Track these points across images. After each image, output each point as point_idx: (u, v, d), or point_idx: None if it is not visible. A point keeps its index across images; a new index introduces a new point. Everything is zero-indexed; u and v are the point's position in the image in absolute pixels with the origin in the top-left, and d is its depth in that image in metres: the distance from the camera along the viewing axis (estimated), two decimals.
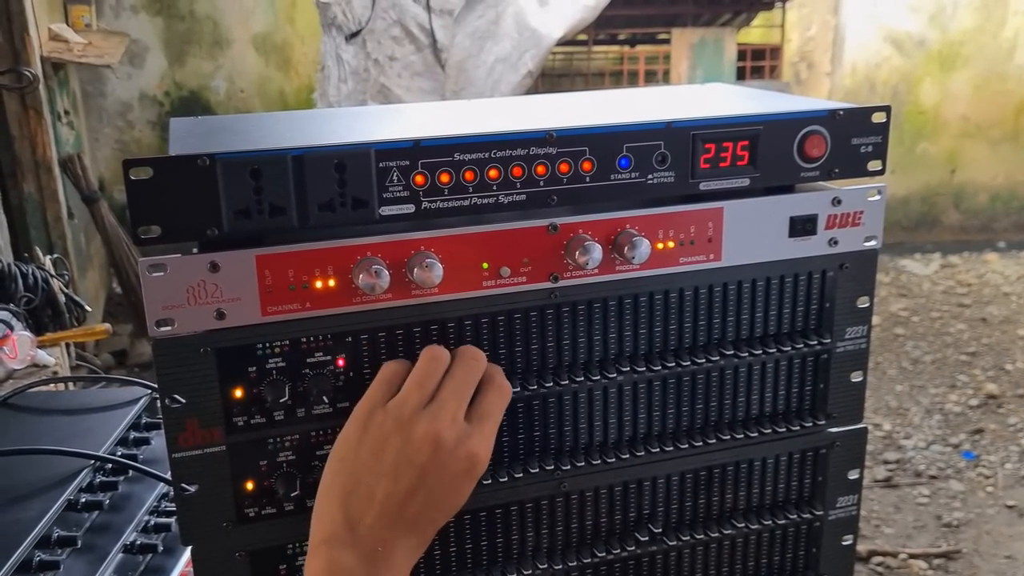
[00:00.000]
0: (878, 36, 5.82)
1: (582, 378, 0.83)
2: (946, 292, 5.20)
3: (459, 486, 0.72)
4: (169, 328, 0.72)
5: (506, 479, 0.82)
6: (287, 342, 0.75)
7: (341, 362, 0.77)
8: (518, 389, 0.81)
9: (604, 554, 0.87)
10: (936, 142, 6.02)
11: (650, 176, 0.80)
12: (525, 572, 0.85)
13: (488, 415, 0.74)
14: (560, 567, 0.87)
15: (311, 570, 0.70)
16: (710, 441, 0.88)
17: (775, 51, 5.14)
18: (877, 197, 0.87)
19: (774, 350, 0.88)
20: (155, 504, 1.14)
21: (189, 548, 0.78)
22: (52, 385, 1.55)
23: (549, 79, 5.20)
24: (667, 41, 5.02)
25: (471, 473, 0.72)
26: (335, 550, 0.69)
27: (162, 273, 0.71)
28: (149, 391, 1.32)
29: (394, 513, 0.70)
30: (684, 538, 0.90)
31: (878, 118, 0.85)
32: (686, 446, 0.87)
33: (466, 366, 0.75)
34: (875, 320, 4.73)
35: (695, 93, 1.04)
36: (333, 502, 0.71)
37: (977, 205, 6.12)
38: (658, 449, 0.86)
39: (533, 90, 4.69)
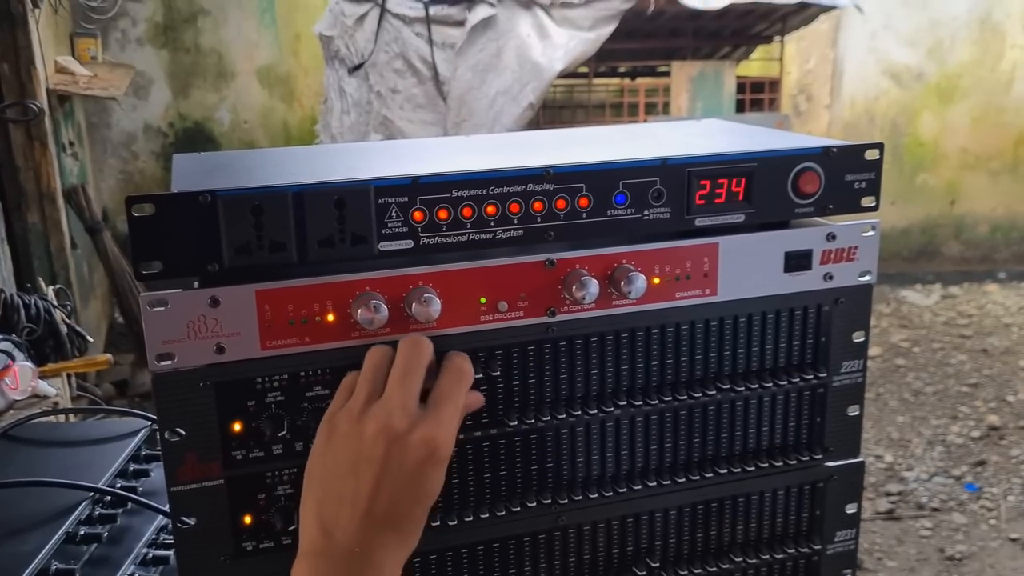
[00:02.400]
0: (877, 69, 5.87)
1: (579, 412, 0.83)
2: (947, 323, 5.19)
3: (423, 474, 0.71)
4: (169, 362, 0.72)
5: (504, 513, 0.83)
6: (286, 376, 0.76)
7: None
8: (515, 423, 0.81)
9: None
10: (936, 173, 6.05)
11: (646, 212, 0.81)
12: None
13: (444, 399, 0.73)
14: None
15: None
16: (707, 475, 0.88)
17: (774, 84, 5.18)
18: (871, 232, 0.88)
19: (770, 384, 0.88)
20: (154, 537, 1.13)
21: None
22: (53, 416, 1.55)
23: (550, 111, 5.24)
24: (667, 74, 5.06)
25: (432, 459, 0.71)
26: (314, 560, 0.70)
27: (163, 308, 0.71)
28: (149, 423, 1.32)
29: (363, 512, 0.70)
30: (682, 572, 0.90)
31: (871, 155, 0.86)
32: (683, 480, 0.87)
33: (408, 353, 0.74)
34: (876, 351, 4.72)
35: (691, 129, 1.05)
36: (309, 514, 0.71)
37: (977, 236, 6.14)
38: (656, 483, 0.87)
39: (534, 122, 4.73)
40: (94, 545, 1.08)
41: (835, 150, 0.84)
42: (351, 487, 0.70)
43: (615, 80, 5.61)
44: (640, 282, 0.80)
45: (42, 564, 1.00)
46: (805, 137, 0.91)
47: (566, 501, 0.84)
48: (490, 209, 0.77)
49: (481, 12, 4.49)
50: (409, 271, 0.76)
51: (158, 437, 0.76)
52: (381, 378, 0.73)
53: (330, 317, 0.75)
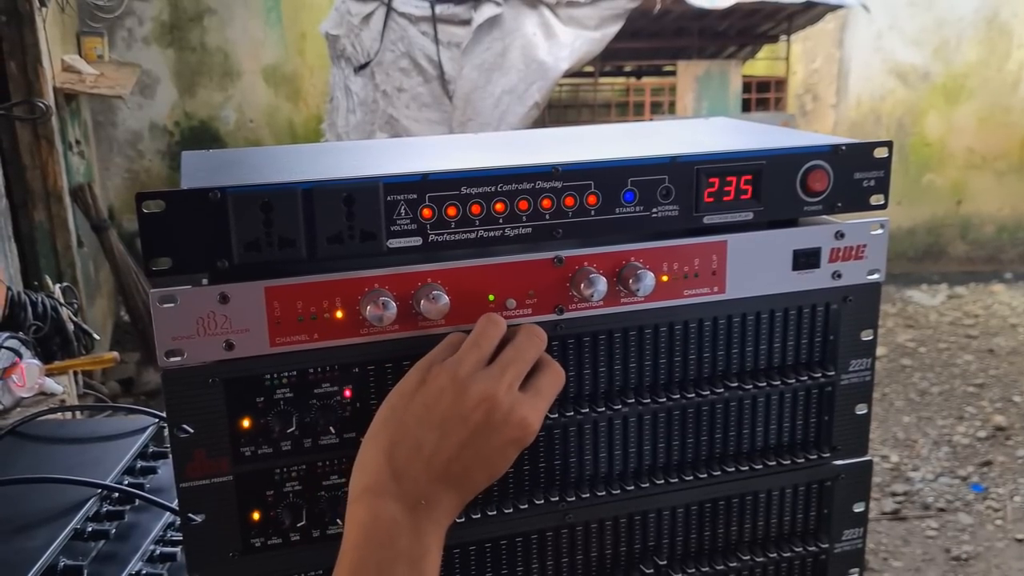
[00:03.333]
0: (883, 69, 5.86)
1: (587, 410, 0.83)
2: (953, 323, 5.18)
3: (505, 451, 0.72)
4: (178, 359, 0.73)
5: (511, 510, 0.83)
6: (295, 373, 0.76)
7: (348, 393, 0.78)
8: None
9: None
10: (942, 173, 6.04)
11: (655, 210, 0.81)
12: None
13: (543, 391, 0.74)
14: None
15: (353, 518, 0.69)
16: (715, 473, 0.88)
17: (780, 83, 5.17)
18: (880, 231, 0.88)
19: (778, 382, 0.88)
20: (161, 533, 1.14)
21: None
22: (60, 413, 1.56)
23: (556, 110, 5.23)
24: (673, 73, 5.05)
25: (520, 441, 0.72)
26: (379, 499, 0.69)
27: (172, 304, 0.71)
28: (156, 420, 1.32)
29: (439, 468, 0.70)
30: (689, 570, 0.90)
31: (880, 153, 0.86)
32: (691, 478, 0.87)
33: (528, 340, 0.75)
34: (882, 351, 4.72)
35: (699, 127, 1.05)
36: (379, 451, 0.71)
37: (983, 236, 6.12)
38: (663, 481, 0.87)
39: (540, 121, 4.73)
40: (102, 542, 1.09)
41: (844, 148, 0.84)
42: (435, 441, 0.70)
43: (620, 79, 5.60)
44: (648, 280, 0.80)
45: (50, 560, 1.01)
46: (814, 135, 0.91)
47: (573, 499, 0.84)
48: (499, 206, 0.77)
49: (487, 11, 4.48)
50: (418, 268, 0.76)
51: (167, 433, 0.76)
52: (491, 346, 0.74)
53: (339, 314, 0.75)
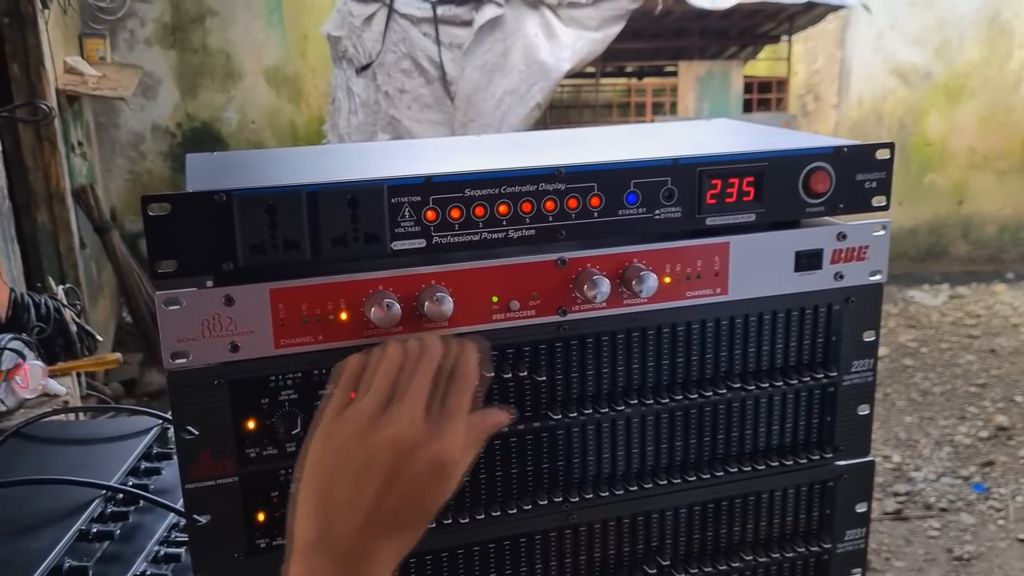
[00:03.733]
0: (884, 69, 5.86)
1: (590, 411, 0.83)
2: (955, 323, 5.18)
3: (429, 488, 0.70)
4: (184, 360, 0.73)
5: (515, 511, 0.83)
6: (299, 374, 0.77)
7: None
8: (527, 422, 0.82)
9: None
10: (943, 173, 6.04)
11: (657, 211, 0.81)
12: None
13: (453, 412, 0.71)
14: None
15: None
16: (718, 473, 0.88)
17: (781, 84, 5.17)
18: (882, 232, 0.88)
19: (781, 383, 0.88)
20: (166, 534, 1.14)
21: None
22: (63, 415, 1.56)
23: (557, 111, 5.24)
24: (674, 74, 5.06)
25: (440, 474, 0.70)
26: (311, 558, 0.68)
27: (178, 307, 0.72)
28: (160, 421, 1.33)
29: (364, 518, 0.69)
30: (692, 570, 0.90)
31: (882, 154, 0.86)
32: (694, 478, 0.88)
33: (419, 360, 0.72)
34: (884, 351, 4.71)
35: (701, 129, 1.05)
36: (306, 512, 0.70)
37: (985, 236, 6.12)
38: (666, 481, 0.87)
39: (541, 122, 4.73)
40: (106, 543, 1.09)
41: (846, 150, 0.85)
42: (354, 494, 0.69)
43: (622, 80, 5.60)
44: (651, 281, 0.80)
45: (55, 561, 1.01)
46: (816, 137, 0.92)
47: (577, 499, 0.85)
48: (502, 208, 0.77)
49: (488, 12, 4.49)
50: (422, 270, 0.77)
51: (172, 434, 0.76)
52: (388, 385, 0.71)
53: (343, 316, 0.76)
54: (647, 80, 5.35)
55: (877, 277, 0.89)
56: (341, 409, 0.71)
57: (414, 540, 0.72)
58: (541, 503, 0.84)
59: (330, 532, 0.69)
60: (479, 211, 0.77)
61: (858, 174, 0.86)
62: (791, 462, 0.91)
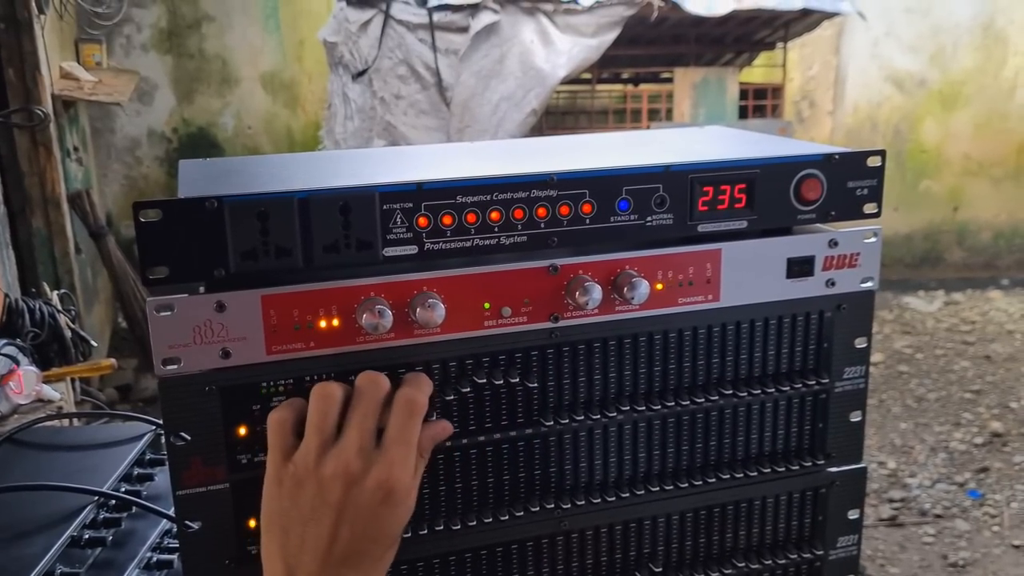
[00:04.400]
0: (879, 76, 5.88)
1: (582, 417, 0.83)
2: (950, 329, 5.19)
3: (380, 515, 0.71)
4: (175, 367, 0.73)
5: (507, 518, 0.83)
6: (291, 381, 0.76)
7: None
8: (518, 428, 0.82)
9: None
10: (939, 180, 6.06)
11: (649, 218, 0.82)
12: None
13: (395, 439, 0.72)
14: None
15: None
16: (710, 480, 0.88)
17: (777, 90, 5.19)
18: (873, 239, 0.88)
19: (773, 390, 0.88)
20: (158, 540, 1.14)
21: None
22: (57, 420, 1.56)
23: (553, 117, 5.25)
24: (670, 80, 5.07)
25: (389, 500, 0.71)
26: None
27: (169, 313, 0.72)
28: (153, 427, 1.32)
29: (324, 554, 0.70)
30: None
31: (873, 162, 0.86)
32: (686, 485, 0.88)
33: (362, 396, 0.73)
34: (879, 357, 4.72)
35: (694, 136, 1.06)
36: (273, 558, 0.72)
37: (980, 242, 6.14)
38: (658, 488, 0.87)
39: (537, 128, 4.74)
40: (98, 549, 1.09)
41: (837, 157, 0.85)
42: (311, 531, 0.70)
43: (618, 86, 5.62)
44: (643, 288, 0.80)
45: (47, 568, 1.01)
46: (807, 144, 0.92)
47: (569, 506, 0.85)
48: (494, 215, 0.77)
49: (484, 18, 4.50)
50: (413, 276, 0.77)
51: (164, 441, 0.76)
52: (332, 422, 0.72)
53: (335, 322, 0.76)
54: (643, 86, 5.37)
55: (869, 284, 0.89)
56: (286, 455, 0.72)
57: (382, 566, 0.73)
58: (533, 510, 0.84)
59: (295, 572, 0.70)
60: (471, 218, 0.77)
61: (849, 181, 0.86)
62: (783, 469, 0.91)
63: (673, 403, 0.86)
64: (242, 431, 0.76)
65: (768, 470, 0.90)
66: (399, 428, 0.72)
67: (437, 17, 4.56)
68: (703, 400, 0.86)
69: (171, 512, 1.11)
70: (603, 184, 0.80)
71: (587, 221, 0.80)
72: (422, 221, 0.76)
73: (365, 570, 0.72)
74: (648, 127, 4.95)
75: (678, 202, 0.82)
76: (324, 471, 0.70)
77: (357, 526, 0.71)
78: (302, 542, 0.71)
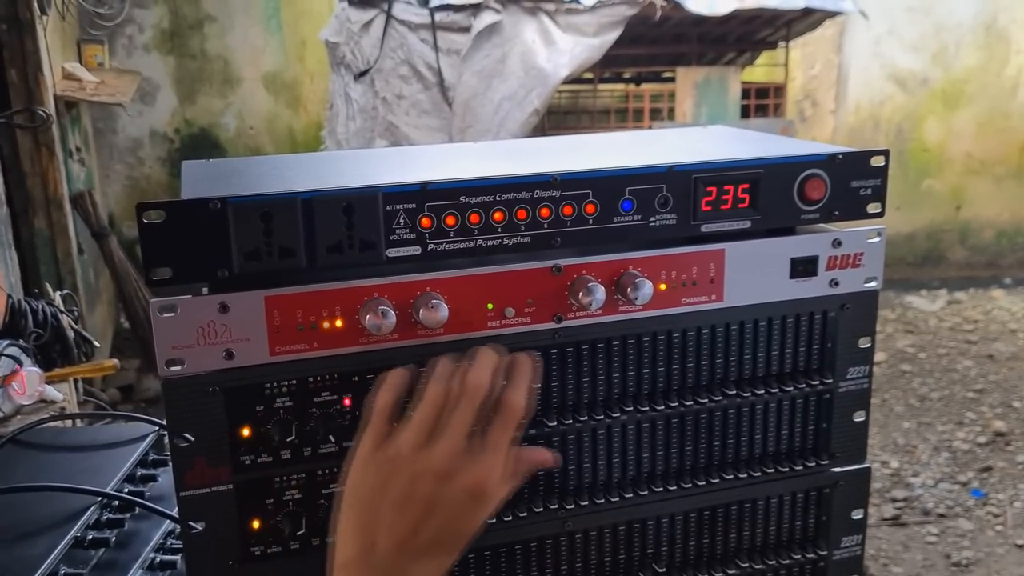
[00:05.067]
0: (881, 74, 5.87)
1: (586, 418, 0.83)
2: (953, 329, 5.18)
3: (467, 515, 0.73)
4: (179, 368, 0.73)
5: (511, 518, 0.83)
6: (294, 382, 0.77)
7: (347, 402, 0.78)
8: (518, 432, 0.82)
9: None
10: (941, 179, 6.05)
11: (652, 218, 0.82)
12: None
13: (494, 445, 0.73)
14: None
15: None
16: (713, 480, 0.88)
17: (779, 89, 5.18)
18: (877, 239, 0.88)
19: (776, 390, 0.88)
20: (161, 541, 1.14)
21: None
22: (60, 421, 1.56)
23: (555, 117, 5.24)
24: (672, 79, 5.07)
25: (479, 503, 0.73)
26: (351, 573, 0.70)
27: (173, 314, 0.72)
28: (156, 428, 1.32)
29: (404, 542, 0.71)
30: None
31: (877, 161, 0.86)
32: (690, 485, 0.88)
33: (469, 397, 0.73)
34: (882, 356, 4.71)
35: (696, 135, 1.05)
36: (348, 532, 0.72)
37: (983, 242, 6.13)
38: (662, 488, 0.87)
39: (539, 128, 4.74)
40: (102, 550, 1.09)
41: (841, 157, 0.85)
42: (396, 518, 0.71)
43: (620, 86, 5.61)
44: (647, 288, 0.80)
45: (51, 568, 1.01)
46: (811, 144, 0.92)
47: (573, 506, 0.85)
48: (497, 216, 0.77)
49: (486, 18, 4.50)
50: (417, 277, 0.77)
51: (167, 442, 0.76)
52: (434, 417, 0.72)
53: (338, 323, 0.76)
54: (645, 86, 5.36)
55: (872, 284, 0.89)
56: (380, 439, 0.72)
57: (449, 563, 0.74)
58: (537, 510, 0.84)
59: (372, 551, 0.71)
60: (474, 218, 0.77)
61: (853, 181, 0.86)
62: (787, 469, 0.91)
63: (677, 403, 0.86)
64: (246, 432, 0.76)
65: (772, 470, 0.90)
66: (500, 434, 0.73)
67: (439, 17, 4.55)
68: (707, 400, 0.86)
69: (174, 513, 1.11)
70: (606, 184, 0.80)
71: (590, 221, 0.80)
72: (425, 222, 0.76)
73: (438, 562, 0.73)
74: (650, 127, 4.95)
75: (681, 202, 0.82)
76: (418, 467, 0.71)
77: (441, 522, 0.72)
78: (384, 525, 0.71)
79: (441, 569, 0.74)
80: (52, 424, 1.47)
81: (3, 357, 1.71)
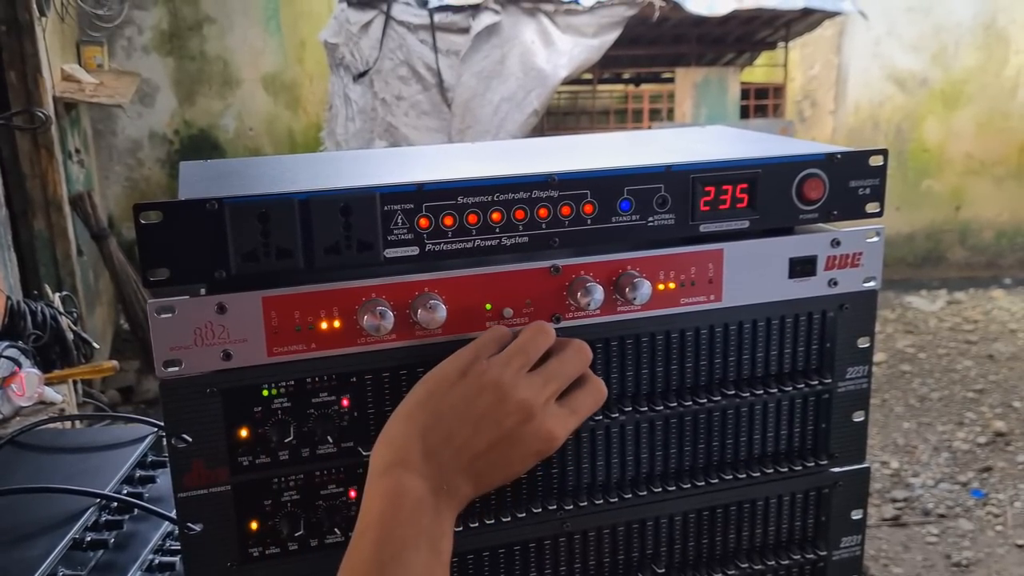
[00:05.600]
0: (881, 75, 5.88)
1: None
2: (952, 329, 5.19)
3: (527, 458, 0.74)
4: (176, 369, 0.73)
5: (509, 519, 0.83)
6: (292, 382, 0.76)
7: (345, 402, 0.78)
8: None
9: None
10: (941, 179, 6.05)
11: (651, 218, 0.81)
12: None
13: (579, 410, 0.76)
14: None
15: (378, 490, 0.70)
16: (712, 481, 0.88)
17: (778, 90, 5.18)
18: (876, 239, 0.88)
19: (775, 390, 0.88)
20: (160, 543, 1.14)
21: None
22: (59, 423, 1.56)
23: (554, 118, 5.25)
24: (671, 80, 5.07)
25: (542, 452, 0.74)
26: (408, 474, 0.70)
27: (170, 315, 0.72)
28: (155, 429, 1.32)
29: (466, 460, 0.72)
30: None
31: (875, 161, 0.86)
32: (688, 486, 0.88)
33: (574, 355, 0.76)
34: (881, 357, 4.72)
35: (695, 135, 1.05)
36: (412, 430, 0.72)
37: (982, 242, 6.13)
38: (661, 489, 0.87)
39: (538, 129, 4.74)
40: (100, 551, 1.09)
41: (839, 156, 0.85)
42: (466, 434, 0.72)
43: (619, 86, 5.62)
44: (645, 288, 0.80)
45: (49, 570, 1.01)
46: (809, 143, 0.92)
47: (571, 507, 0.84)
48: (495, 216, 0.77)
49: (485, 19, 4.50)
50: (415, 278, 0.77)
51: (165, 443, 0.76)
52: (536, 355, 0.75)
53: (336, 323, 0.75)
54: (644, 87, 5.37)
55: (871, 283, 0.89)
56: (485, 355, 0.74)
57: (481, 493, 0.75)
58: (535, 511, 0.84)
59: (433, 458, 0.71)
60: (472, 219, 0.77)
61: (851, 181, 0.86)
62: (786, 469, 0.90)
63: (675, 404, 0.85)
64: (244, 433, 0.76)
65: (771, 470, 0.90)
66: (583, 403, 0.76)
67: (438, 18, 4.56)
68: (705, 400, 0.86)
69: (173, 514, 1.11)
70: (604, 184, 0.79)
71: (589, 221, 0.80)
72: (423, 222, 0.75)
73: (479, 488, 0.74)
74: (649, 127, 4.95)
75: (680, 202, 0.82)
76: (514, 394, 0.72)
77: (506, 456, 0.73)
78: (450, 437, 0.72)
79: (471, 498, 0.74)
80: (51, 425, 1.47)
81: (2, 359, 1.71)
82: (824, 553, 0.94)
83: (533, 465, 0.75)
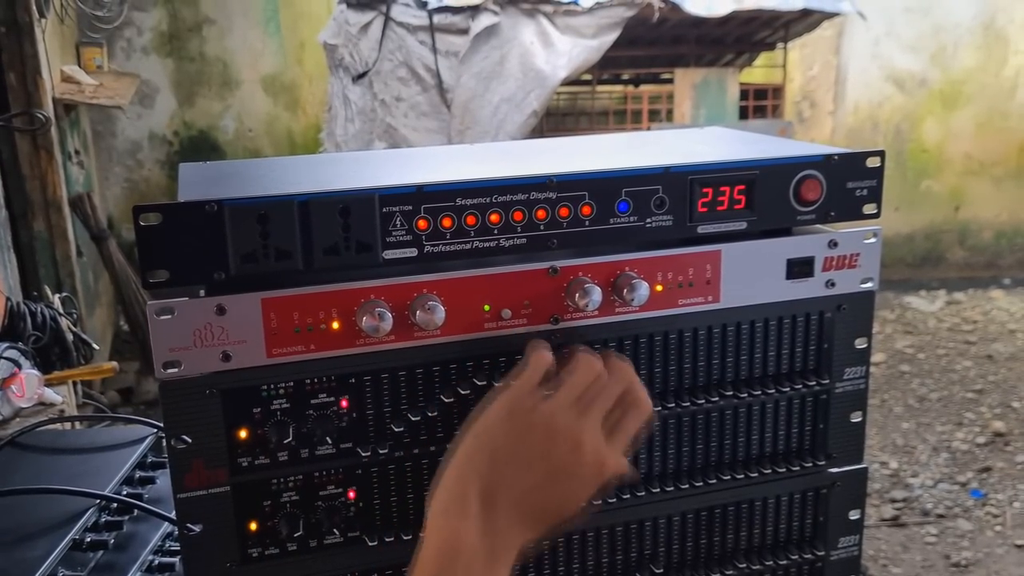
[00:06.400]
0: (880, 75, 5.88)
1: None
2: (952, 329, 5.19)
3: (581, 489, 0.73)
4: (176, 370, 0.73)
5: None
6: (291, 384, 0.77)
7: (344, 403, 0.78)
8: None
9: None
10: (940, 179, 6.05)
11: (649, 220, 0.82)
12: None
13: (623, 432, 0.75)
14: None
15: (435, 532, 0.70)
16: (710, 481, 0.88)
17: (777, 91, 5.18)
18: (873, 240, 0.88)
19: (773, 391, 0.89)
20: (159, 543, 1.14)
21: None
22: (59, 424, 1.56)
23: (554, 119, 5.25)
24: (670, 81, 5.07)
25: (597, 479, 0.74)
26: (462, 523, 0.69)
27: (170, 316, 0.72)
28: (155, 430, 1.33)
29: (521, 503, 0.71)
30: None
31: (872, 162, 0.86)
32: (687, 486, 0.88)
33: (616, 383, 0.76)
34: (880, 357, 4.72)
35: (693, 137, 1.06)
36: (466, 480, 0.71)
37: (982, 242, 6.13)
38: (659, 489, 0.87)
39: (538, 130, 4.74)
40: (100, 552, 1.09)
41: (837, 158, 0.85)
42: (519, 475, 0.71)
43: (618, 87, 5.62)
44: (643, 290, 0.80)
45: (49, 571, 1.01)
46: (806, 145, 0.92)
47: None
48: (494, 217, 0.77)
49: (484, 20, 4.50)
50: (413, 279, 0.77)
51: (165, 444, 0.76)
52: (586, 389, 0.74)
53: (335, 325, 0.76)
54: (643, 87, 5.37)
55: (869, 284, 0.89)
56: (530, 391, 0.73)
57: (539, 536, 0.73)
58: None
59: (493, 508, 0.70)
60: (471, 220, 0.77)
61: (849, 182, 0.86)
62: (784, 469, 0.91)
63: (673, 404, 0.86)
64: (243, 434, 0.76)
65: (769, 471, 0.90)
66: (628, 425, 0.76)
67: (437, 19, 4.56)
68: (704, 401, 0.86)
69: (172, 515, 1.11)
70: (602, 186, 0.80)
71: (587, 223, 0.80)
72: (422, 223, 0.76)
73: (536, 531, 0.73)
74: (648, 128, 4.95)
75: (678, 203, 0.82)
76: (562, 430, 0.72)
77: (559, 488, 0.72)
78: (505, 480, 0.71)
79: (532, 539, 0.73)
80: (51, 426, 1.47)
81: (2, 360, 1.71)
82: (822, 553, 0.94)
83: (591, 494, 0.74)
